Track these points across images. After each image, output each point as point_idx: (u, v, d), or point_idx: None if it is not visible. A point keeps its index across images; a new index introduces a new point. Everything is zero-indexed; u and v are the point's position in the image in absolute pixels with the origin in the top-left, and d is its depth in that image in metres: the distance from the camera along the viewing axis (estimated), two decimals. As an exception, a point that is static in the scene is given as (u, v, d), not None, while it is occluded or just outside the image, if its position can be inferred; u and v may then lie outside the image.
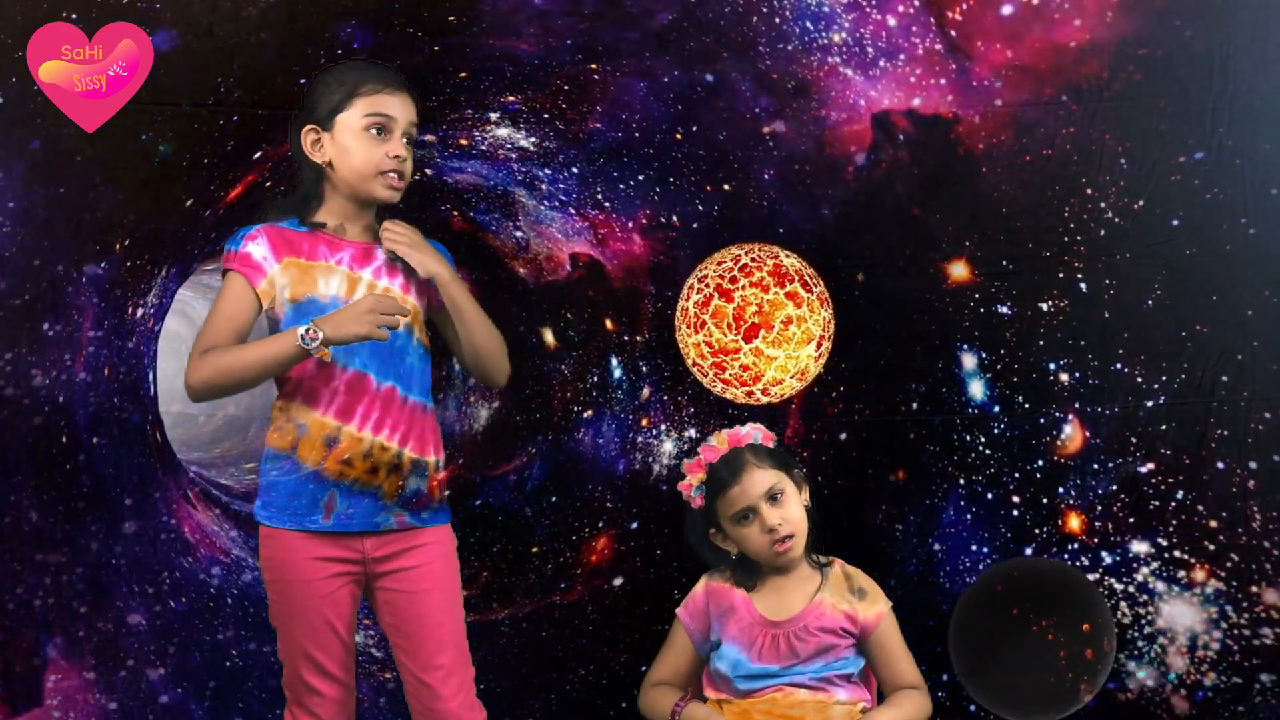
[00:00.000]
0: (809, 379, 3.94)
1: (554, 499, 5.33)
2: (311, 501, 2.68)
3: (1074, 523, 3.79)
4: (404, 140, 2.72)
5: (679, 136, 4.33)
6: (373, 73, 2.72)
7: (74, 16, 3.11)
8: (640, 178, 4.60)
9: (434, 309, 2.84)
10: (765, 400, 3.93)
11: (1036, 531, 3.84)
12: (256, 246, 2.69)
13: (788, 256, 3.85)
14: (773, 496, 2.94)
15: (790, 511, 2.94)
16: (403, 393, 2.73)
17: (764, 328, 3.76)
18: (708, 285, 3.84)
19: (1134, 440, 3.70)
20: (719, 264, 3.86)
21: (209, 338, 2.64)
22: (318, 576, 2.69)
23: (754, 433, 3.02)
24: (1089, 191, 3.70)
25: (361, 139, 2.68)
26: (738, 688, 2.95)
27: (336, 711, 2.74)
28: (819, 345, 3.86)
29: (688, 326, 3.93)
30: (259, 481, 2.77)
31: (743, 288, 3.78)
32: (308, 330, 2.55)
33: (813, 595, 2.98)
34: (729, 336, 3.79)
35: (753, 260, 3.81)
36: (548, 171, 4.81)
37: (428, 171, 4.91)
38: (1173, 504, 3.63)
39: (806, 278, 3.83)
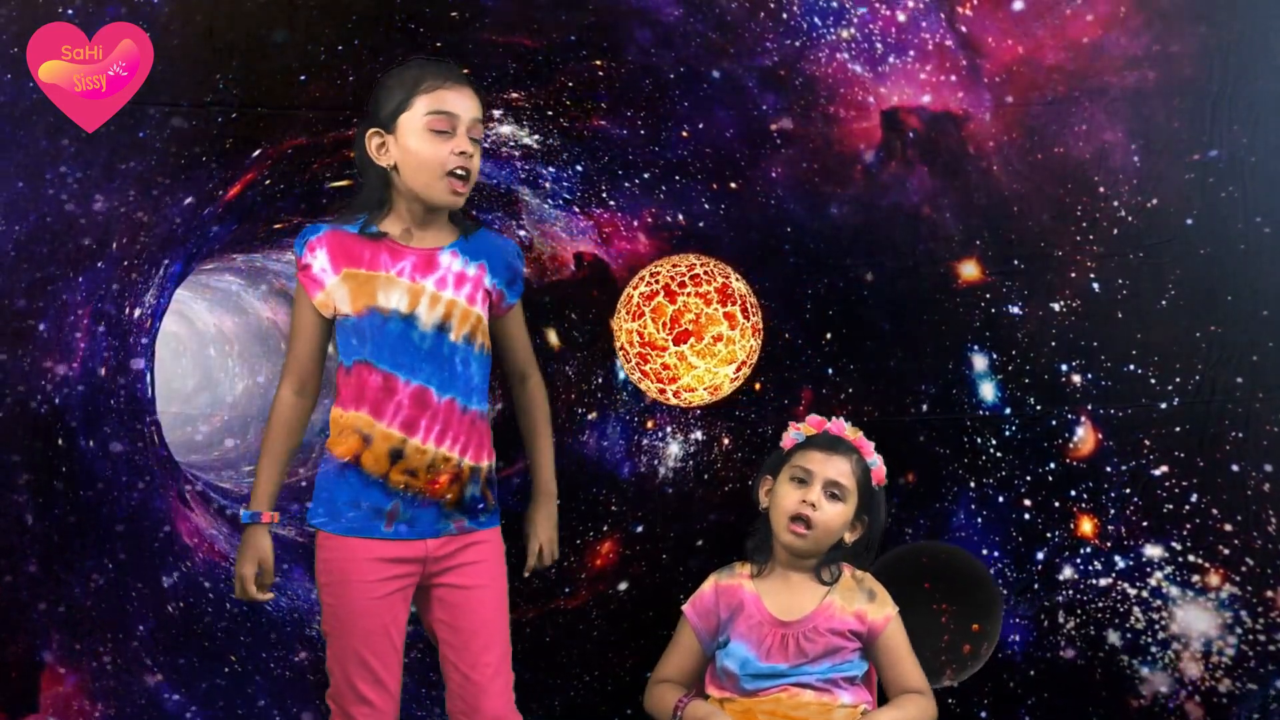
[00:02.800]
0: (720, 396, 4.26)
1: (557, 502, 5.34)
2: (374, 510, 2.73)
3: (1086, 526, 3.80)
4: (469, 138, 2.71)
5: (685, 134, 4.34)
6: (432, 69, 2.72)
7: (70, 12, 3.13)
8: (645, 176, 4.61)
9: (497, 314, 2.88)
10: (674, 402, 4.24)
11: (1048, 535, 3.85)
12: (315, 258, 2.73)
13: (738, 280, 4.13)
14: (833, 491, 3.01)
15: (831, 513, 3.00)
16: (463, 404, 2.76)
17: (695, 337, 4.06)
18: (657, 281, 4.12)
19: (1147, 442, 3.70)
20: (673, 266, 4.14)
21: (291, 359, 2.83)
22: (378, 578, 2.73)
23: (876, 459, 3.11)
24: (1102, 190, 3.71)
25: (425, 138, 2.68)
26: (744, 686, 2.99)
27: None
28: (739, 369, 4.18)
29: (627, 312, 4.22)
30: (317, 486, 2.81)
31: (689, 294, 4.06)
32: (251, 517, 2.77)
33: (823, 597, 3.02)
34: (661, 334, 4.08)
35: (705, 273, 4.09)
36: (551, 169, 4.82)
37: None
38: (1186, 507, 3.63)
39: (748, 305, 4.12)
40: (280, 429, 2.79)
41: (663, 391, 4.22)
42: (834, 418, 3.18)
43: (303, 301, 2.76)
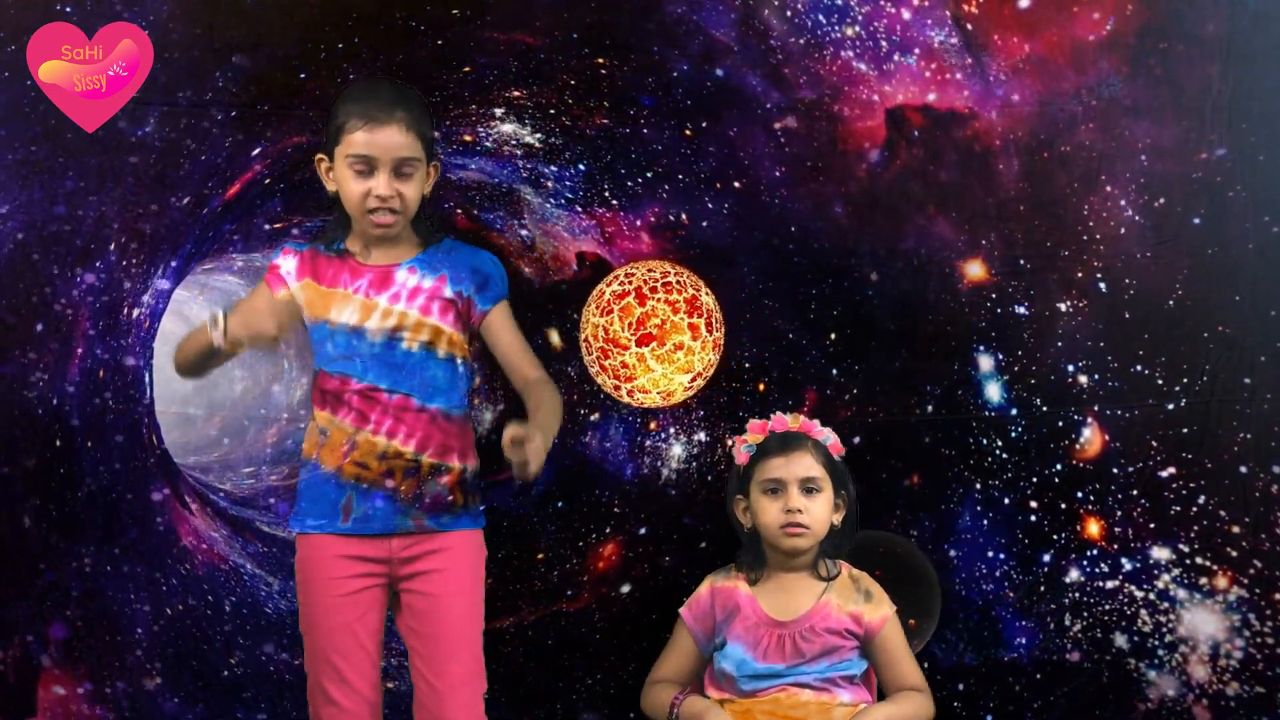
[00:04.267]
0: (672, 402, 4.50)
1: (560, 504, 5.35)
2: (332, 505, 2.80)
3: (1093, 528, 3.80)
4: (393, 174, 2.76)
5: (688, 133, 4.35)
6: (358, 105, 2.76)
7: (69, 10, 3.14)
8: (648, 175, 4.62)
9: (475, 323, 2.91)
10: (626, 400, 4.44)
11: (1054, 537, 3.85)
12: (285, 262, 2.89)
13: (707, 295, 4.34)
14: (808, 487, 3.04)
15: (816, 508, 3.04)
16: (420, 402, 2.82)
17: (658, 341, 4.26)
18: (631, 282, 4.31)
19: (1154, 443, 3.71)
20: (649, 270, 4.35)
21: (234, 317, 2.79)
22: (342, 575, 2.79)
23: (828, 434, 3.13)
24: (1108, 189, 3.71)
25: (348, 175, 2.78)
26: (742, 688, 3.01)
27: None
28: (693, 380, 4.39)
29: (596, 306, 4.39)
30: (298, 490, 2.91)
31: (659, 300, 4.26)
32: (214, 322, 2.67)
33: (819, 596, 3.04)
34: (625, 333, 4.28)
35: (678, 282, 4.30)
36: (554, 168, 4.83)
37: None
38: (1194, 509, 3.63)
39: (714, 320, 4.34)
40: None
41: (617, 388, 4.41)
42: (772, 414, 3.20)
43: (261, 290, 2.89)
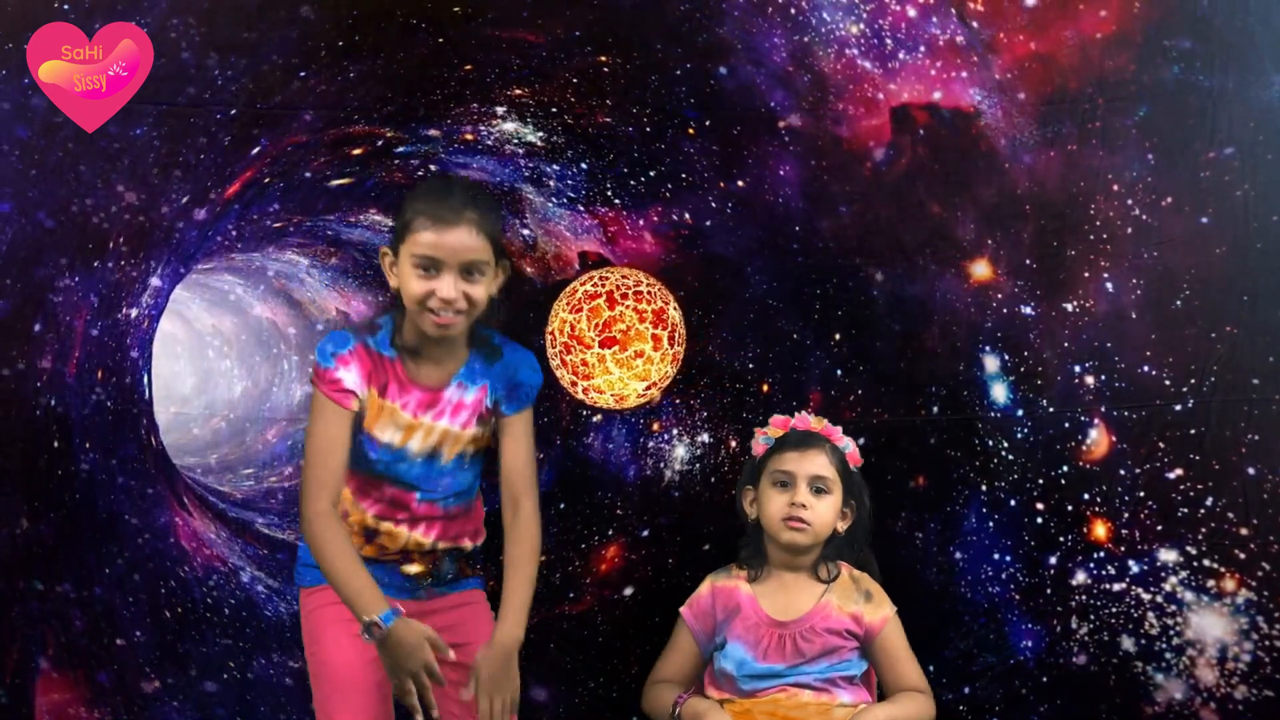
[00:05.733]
0: (625, 406, 4.73)
1: (562, 506, 5.36)
2: None
3: (1100, 530, 3.81)
4: (461, 275, 2.75)
5: (691, 131, 4.35)
6: (429, 204, 2.74)
7: (69, 10, 3.15)
8: (651, 174, 4.63)
9: (496, 417, 2.97)
10: (580, 397, 4.64)
11: (1061, 539, 3.86)
12: (348, 374, 2.80)
13: (675, 310, 4.54)
14: (817, 487, 3.07)
15: (821, 508, 3.07)
16: (443, 506, 2.92)
17: (620, 346, 4.45)
18: (604, 285, 4.51)
19: (1162, 445, 3.71)
20: (623, 276, 4.54)
21: (320, 470, 2.74)
22: (352, 631, 2.72)
23: (848, 443, 3.16)
24: (1116, 188, 3.71)
25: (411, 275, 2.75)
26: (742, 688, 3.03)
27: None
28: (648, 388, 4.61)
29: (567, 303, 4.61)
30: (300, 551, 2.93)
31: (629, 306, 4.45)
32: (373, 629, 2.61)
33: (819, 597, 3.05)
34: (590, 333, 4.47)
35: (649, 292, 4.49)
36: (556, 167, 4.83)
37: (432, 168, 4.94)
38: (1202, 511, 3.64)
39: (677, 335, 4.54)
40: (344, 540, 2.73)
41: (574, 384, 4.58)
42: (797, 413, 3.22)
43: (331, 415, 2.78)
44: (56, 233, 3.45)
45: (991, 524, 4.00)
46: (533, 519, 2.92)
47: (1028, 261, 3.89)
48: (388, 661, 2.62)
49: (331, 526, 2.70)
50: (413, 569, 2.91)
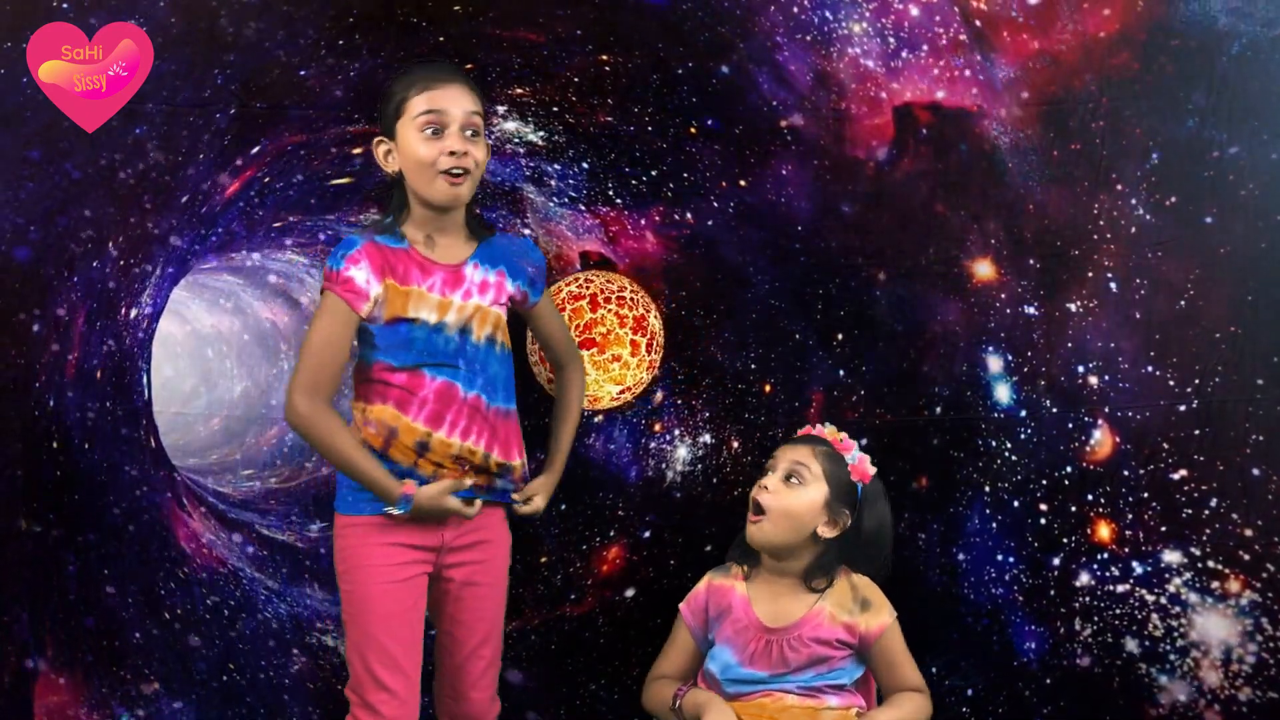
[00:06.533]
0: (598, 407, 4.86)
1: (563, 507, 5.36)
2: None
3: (1104, 531, 3.81)
4: (464, 133, 2.83)
5: (693, 131, 4.36)
6: (422, 69, 2.85)
7: (69, 9, 3.15)
8: (653, 174, 4.63)
9: (523, 308, 3.08)
10: (551, 392, 4.63)
11: (1064, 541, 3.86)
12: (359, 271, 2.82)
13: (656, 319, 4.72)
14: (790, 476, 3.05)
15: (786, 497, 3.05)
16: (488, 401, 2.92)
17: (599, 348, 4.55)
18: (589, 287, 4.63)
19: (1166, 445, 3.71)
20: (608, 280, 4.65)
21: (316, 368, 2.81)
22: (394, 562, 2.86)
23: (855, 455, 3.15)
24: (1119, 187, 3.71)
25: (419, 140, 2.81)
26: (726, 690, 3.03)
27: (404, 715, 2.85)
28: (622, 392, 4.72)
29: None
30: (340, 476, 2.93)
31: (610, 310, 4.56)
32: (398, 516, 2.81)
33: (813, 603, 3.05)
34: (571, 333, 4.48)
35: (631, 299, 4.61)
36: (557, 167, 4.84)
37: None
38: (1206, 512, 3.64)
39: (656, 344, 4.66)
40: (348, 429, 2.84)
41: (550, 382, 4.60)
42: (822, 424, 3.23)
43: (338, 314, 2.82)
44: (56, 233, 3.45)
45: (994, 525, 4.00)
46: (580, 375, 3.26)
47: (1031, 261, 3.89)
48: (422, 519, 2.86)
49: (334, 419, 2.79)
50: (470, 482, 2.89)
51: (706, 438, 4.93)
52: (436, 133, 2.80)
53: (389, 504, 2.80)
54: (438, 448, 2.85)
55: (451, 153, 2.80)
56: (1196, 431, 3.66)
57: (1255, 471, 3.58)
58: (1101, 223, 3.74)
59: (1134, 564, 3.76)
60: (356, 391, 2.94)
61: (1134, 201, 3.69)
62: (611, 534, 5.20)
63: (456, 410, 2.86)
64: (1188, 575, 3.67)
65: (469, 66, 4.18)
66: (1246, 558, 3.58)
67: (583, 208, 5.03)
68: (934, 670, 3.89)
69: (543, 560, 5.37)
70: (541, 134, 4.63)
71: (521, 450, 3.03)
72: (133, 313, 4.16)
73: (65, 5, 3.14)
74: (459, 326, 2.88)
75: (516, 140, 4.70)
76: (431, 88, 2.81)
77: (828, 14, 3.79)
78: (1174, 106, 3.62)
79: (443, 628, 3.00)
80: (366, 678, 2.83)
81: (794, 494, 3.07)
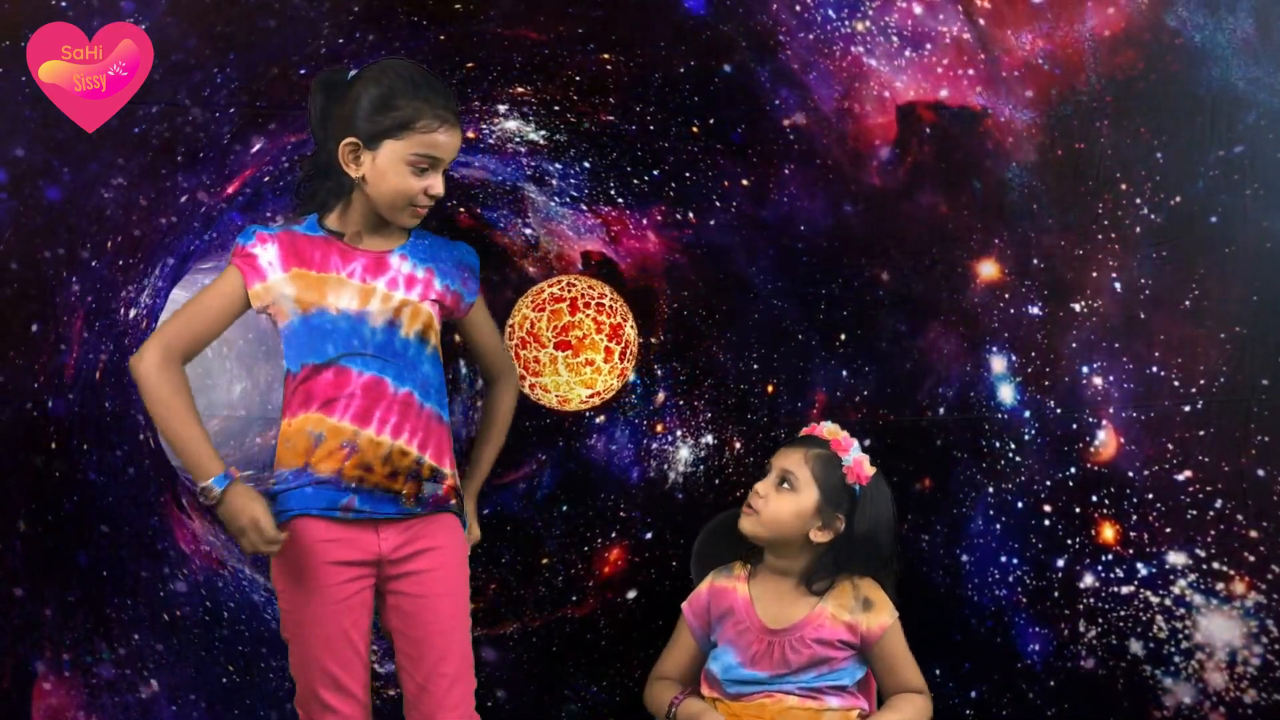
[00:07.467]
0: (567, 408, 5.00)
1: (565, 508, 5.37)
2: (329, 502, 2.77)
3: (1108, 533, 3.81)
4: (443, 174, 2.79)
5: (695, 130, 4.36)
6: (430, 107, 2.72)
7: (69, 9, 3.16)
8: (655, 173, 4.64)
9: (458, 316, 2.95)
10: (526, 393, 4.85)
11: (1068, 542, 3.86)
12: (264, 251, 2.77)
13: (631, 329, 4.89)
14: (783, 480, 3.06)
15: (778, 500, 3.07)
16: (420, 399, 2.81)
17: (574, 351, 4.72)
18: (570, 291, 4.76)
19: (1171, 446, 3.71)
20: (589, 286, 4.80)
21: (181, 326, 2.74)
22: (333, 581, 2.76)
23: (851, 456, 3.13)
24: (1124, 187, 3.71)
25: (403, 171, 2.73)
26: (727, 691, 3.05)
27: None
28: (592, 395, 4.89)
29: (532, 301, 4.87)
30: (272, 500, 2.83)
31: (589, 315, 4.71)
32: (209, 491, 2.69)
33: (815, 604, 3.06)
34: (548, 333, 4.73)
35: (610, 307, 4.76)
36: (558, 166, 4.84)
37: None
38: (1211, 513, 3.64)
39: (628, 352, 4.83)
40: (188, 395, 2.73)
41: (522, 379, 4.79)
42: (822, 423, 3.22)
43: (226, 283, 2.78)
44: (55, 233, 3.46)
45: (998, 526, 4.01)
46: (511, 390, 3.12)
47: (1035, 261, 3.89)
48: (224, 525, 2.73)
49: (182, 381, 2.70)
50: (400, 489, 2.77)
51: (709, 438, 4.94)
52: (424, 172, 2.73)
53: (202, 482, 2.68)
54: (366, 447, 2.74)
55: (432, 195, 2.75)
56: (1201, 432, 3.66)
57: (1260, 472, 3.57)
58: (1105, 222, 3.74)
59: (1138, 565, 3.76)
60: (283, 411, 2.87)
61: (1138, 201, 3.69)
62: (613, 535, 5.21)
63: (386, 406, 2.76)
64: (1192, 577, 3.67)
65: (470, 65, 4.19)
66: (1251, 559, 3.58)
67: (584, 207, 5.04)
68: (937, 672, 3.90)
69: (544, 561, 5.38)
70: (543, 133, 4.63)
71: (454, 462, 2.90)
72: (132, 313, 4.17)
73: (65, 5, 3.14)
74: (385, 318, 2.77)
75: (518, 139, 4.71)
76: (435, 129, 2.71)
77: (831, 12, 3.79)
78: (1177, 106, 3.62)
79: (398, 647, 2.86)
80: (312, 700, 2.78)
81: (783, 500, 3.07)
